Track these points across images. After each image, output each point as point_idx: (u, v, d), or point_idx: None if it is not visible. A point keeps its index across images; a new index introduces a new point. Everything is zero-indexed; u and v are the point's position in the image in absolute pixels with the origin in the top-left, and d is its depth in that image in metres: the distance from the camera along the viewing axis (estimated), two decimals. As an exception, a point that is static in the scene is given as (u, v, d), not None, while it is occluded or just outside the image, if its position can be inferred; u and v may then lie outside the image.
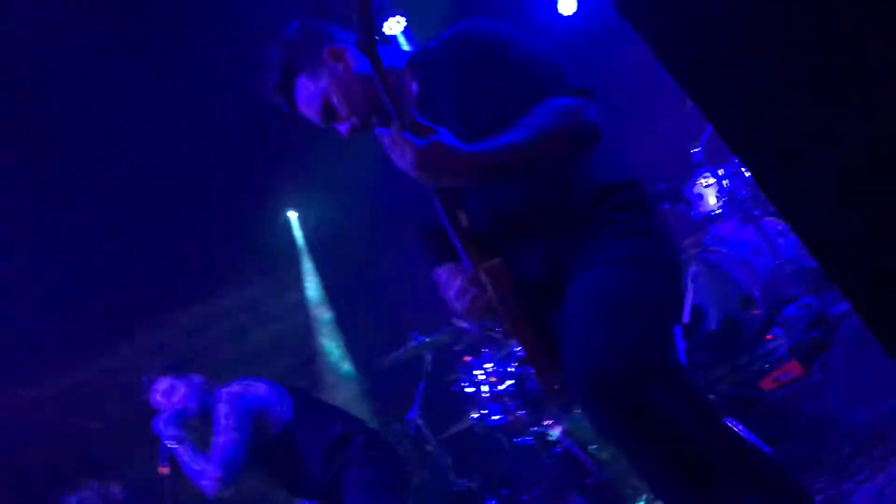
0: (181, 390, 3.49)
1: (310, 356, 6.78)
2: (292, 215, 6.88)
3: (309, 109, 1.94)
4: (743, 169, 4.48)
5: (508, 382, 4.06)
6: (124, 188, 5.38)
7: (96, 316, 5.63)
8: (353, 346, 6.73)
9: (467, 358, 4.39)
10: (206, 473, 3.21)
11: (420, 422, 4.18)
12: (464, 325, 4.19)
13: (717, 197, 4.63)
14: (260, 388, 3.43)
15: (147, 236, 5.76)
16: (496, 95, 1.78)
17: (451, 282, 1.90)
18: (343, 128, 1.93)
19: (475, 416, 4.22)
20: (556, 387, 1.85)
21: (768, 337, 3.94)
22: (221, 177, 5.81)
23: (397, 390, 4.55)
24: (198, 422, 3.45)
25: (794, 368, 3.49)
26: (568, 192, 1.81)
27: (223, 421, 3.29)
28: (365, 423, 3.55)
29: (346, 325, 6.84)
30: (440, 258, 2.04)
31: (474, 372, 4.25)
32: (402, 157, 1.64)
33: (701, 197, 4.72)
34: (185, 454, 3.28)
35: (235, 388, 3.43)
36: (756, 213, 4.54)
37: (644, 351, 1.63)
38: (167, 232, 5.80)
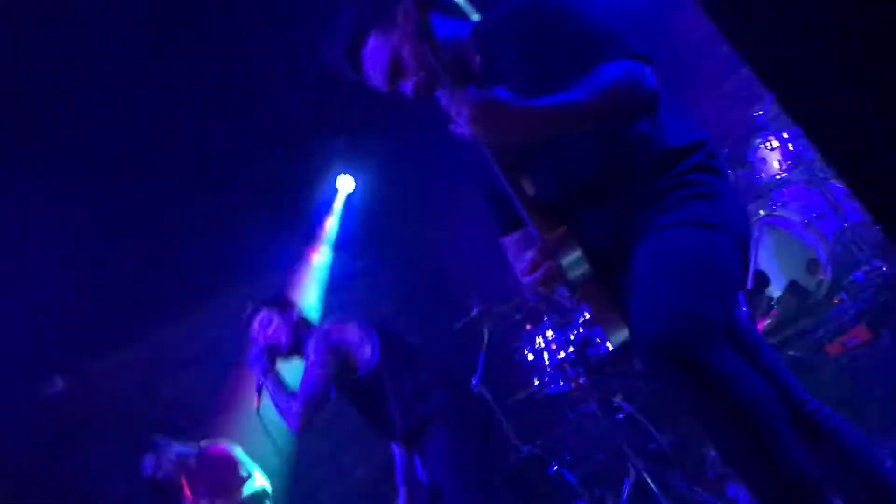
0: (276, 324, 3.49)
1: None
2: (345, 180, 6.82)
3: (376, 68, 1.94)
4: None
5: (569, 350, 4.08)
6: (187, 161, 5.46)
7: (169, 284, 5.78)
8: (413, 314, 6.79)
9: (528, 326, 4.43)
10: (290, 409, 3.23)
11: (482, 389, 4.22)
12: (531, 296, 4.20)
13: (781, 160, 4.54)
14: (351, 329, 3.38)
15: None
16: (559, 65, 1.78)
17: (519, 253, 1.93)
18: (408, 87, 1.94)
19: (536, 383, 4.26)
20: (625, 344, 1.86)
21: (835, 301, 3.88)
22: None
23: (459, 359, 4.60)
24: (291, 357, 3.45)
25: (861, 333, 3.44)
26: (635, 156, 1.81)
27: (311, 357, 3.30)
28: (453, 375, 3.45)
29: (406, 293, 6.92)
30: (507, 226, 2.06)
31: (535, 339, 4.29)
32: (459, 113, 1.67)
33: (764, 161, 4.63)
34: (272, 388, 3.31)
35: (327, 326, 3.42)
36: (822, 175, 4.44)
37: (707, 311, 1.63)
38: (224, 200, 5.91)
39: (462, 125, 1.69)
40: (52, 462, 5.27)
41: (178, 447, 4.81)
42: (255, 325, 3.53)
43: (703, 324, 1.62)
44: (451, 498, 3.13)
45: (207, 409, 6.00)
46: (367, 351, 3.30)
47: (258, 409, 3.39)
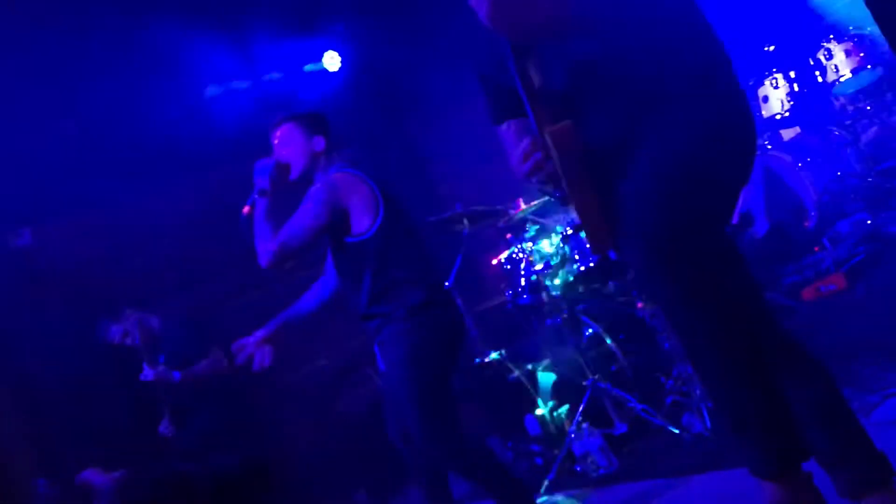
0: (297, 144, 3.20)
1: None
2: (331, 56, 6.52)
3: None
4: (817, 73, 4.30)
5: (547, 263, 4.07)
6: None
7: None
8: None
9: (508, 235, 4.40)
10: (266, 245, 3.04)
11: (454, 293, 4.21)
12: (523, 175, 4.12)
13: (784, 100, 4.47)
14: (360, 191, 3.07)
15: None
16: None
17: (516, 142, 1.87)
18: None
19: (509, 293, 4.26)
20: (605, 254, 1.85)
21: (815, 248, 3.88)
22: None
23: (436, 260, 4.58)
24: (299, 183, 3.18)
25: (838, 281, 3.46)
26: (650, 57, 1.74)
27: (307, 202, 3.05)
28: (434, 274, 3.23)
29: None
30: (504, 114, 1.99)
31: (514, 249, 4.27)
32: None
33: (767, 98, 4.56)
34: (260, 213, 3.10)
35: (339, 176, 3.10)
36: (822, 120, 4.39)
37: (701, 213, 1.64)
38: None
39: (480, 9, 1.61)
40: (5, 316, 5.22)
41: (140, 314, 4.80)
42: (277, 136, 3.24)
43: (697, 223, 1.61)
44: (403, 402, 2.99)
45: (176, 281, 5.98)
46: (367, 221, 3.05)
47: (244, 217, 3.16)
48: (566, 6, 1.64)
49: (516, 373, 4.00)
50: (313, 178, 3.18)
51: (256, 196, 3.12)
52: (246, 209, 3.16)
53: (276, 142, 3.24)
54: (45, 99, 5.01)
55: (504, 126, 2.02)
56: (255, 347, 3.32)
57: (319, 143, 3.19)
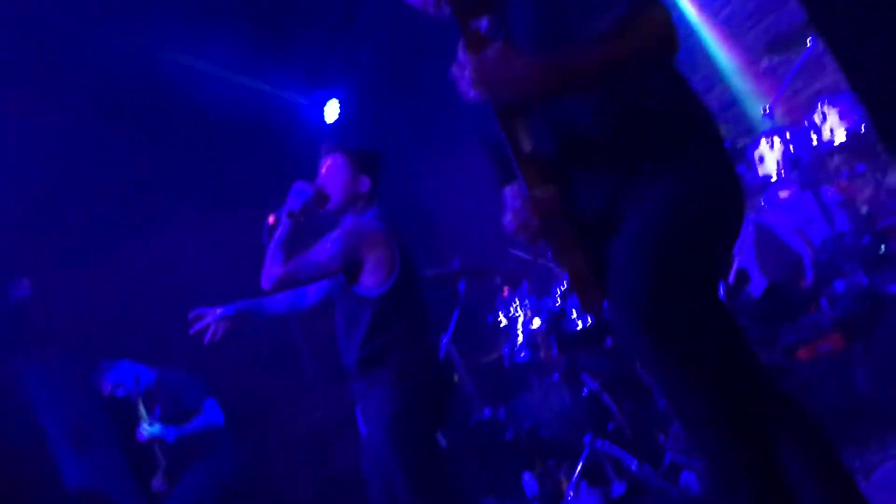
0: (342, 178, 3.13)
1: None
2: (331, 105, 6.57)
3: None
4: (812, 133, 4.35)
5: (544, 319, 4.07)
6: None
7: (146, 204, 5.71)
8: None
9: (506, 290, 4.41)
10: (273, 266, 2.97)
11: (451, 347, 4.22)
12: (517, 252, 4.17)
13: (779, 161, 4.51)
14: (381, 247, 3.00)
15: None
16: (574, 10, 1.72)
17: (511, 203, 1.91)
18: None
19: (507, 349, 4.25)
20: (598, 315, 1.86)
21: (812, 308, 3.88)
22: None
23: (433, 314, 4.58)
24: (329, 217, 3.14)
25: (835, 342, 3.45)
26: (638, 124, 1.77)
27: (326, 241, 2.99)
28: (426, 337, 3.13)
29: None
30: (508, 177, 2.03)
31: (512, 305, 4.28)
32: (462, 76, 1.66)
33: (763, 159, 4.60)
34: (280, 233, 3.03)
35: (366, 228, 3.04)
36: (817, 181, 4.43)
37: (688, 278, 1.65)
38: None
39: (467, 87, 1.68)
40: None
41: (137, 366, 4.79)
42: (326, 162, 3.18)
43: (686, 288, 1.62)
44: (390, 468, 2.91)
45: (171, 334, 5.96)
46: (378, 279, 2.98)
47: (268, 228, 3.09)
48: (544, 77, 1.66)
49: (513, 430, 3.97)
50: (345, 217, 3.13)
51: (284, 214, 3.06)
52: (271, 219, 3.10)
53: (322, 169, 3.18)
54: (46, 151, 5.07)
55: (507, 189, 2.06)
56: (212, 321, 3.24)
57: (364, 183, 3.13)
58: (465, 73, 1.67)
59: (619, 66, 1.66)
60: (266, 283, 2.99)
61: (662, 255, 1.66)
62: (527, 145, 1.79)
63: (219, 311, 3.24)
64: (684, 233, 1.69)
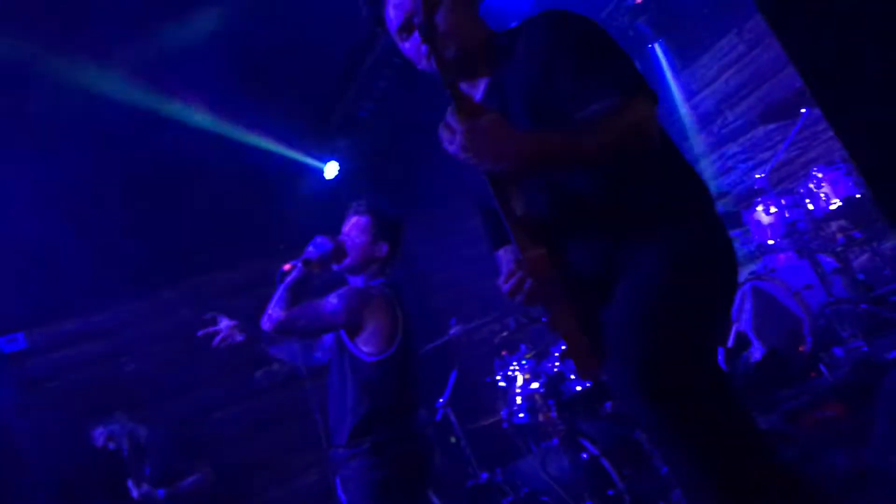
0: (364, 240, 3.14)
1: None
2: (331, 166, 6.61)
3: (402, 6, 1.92)
4: (807, 201, 4.41)
5: (542, 382, 4.05)
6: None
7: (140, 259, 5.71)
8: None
9: (504, 353, 4.40)
10: (276, 309, 2.97)
11: (448, 409, 4.18)
12: (511, 321, 4.18)
13: (775, 226, 4.56)
14: (386, 321, 2.99)
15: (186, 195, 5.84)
16: (566, 90, 1.76)
17: (505, 265, 1.92)
18: (411, 44, 1.94)
19: (505, 411, 4.22)
20: (594, 380, 1.86)
21: (812, 374, 3.88)
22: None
23: (430, 375, 4.56)
24: (341, 274, 3.13)
25: (835, 409, 3.43)
26: (630, 190, 1.80)
27: (333, 296, 2.98)
28: (417, 410, 3.11)
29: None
30: (503, 241, 2.04)
31: (510, 367, 4.26)
32: (452, 140, 1.68)
33: (759, 224, 4.65)
34: (291, 278, 3.03)
35: (376, 293, 3.03)
36: (814, 247, 4.47)
37: (684, 342, 1.65)
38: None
39: (455, 151, 1.70)
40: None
41: (130, 424, 4.76)
42: (351, 221, 3.18)
43: (686, 358, 1.62)
44: None
45: (167, 389, 5.92)
46: (377, 347, 2.97)
47: (281, 274, 3.09)
48: (530, 154, 1.70)
49: (511, 497, 3.91)
50: (355, 278, 3.13)
51: (299, 263, 3.06)
52: (287, 267, 3.09)
53: (347, 227, 3.19)
54: (46, 204, 5.10)
55: (500, 251, 2.08)
56: (225, 327, 3.18)
57: (383, 249, 3.14)
58: (454, 138, 1.69)
59: (603, 155, 1.70)
60: (266, 324, 2.99)
61: (661, 319, 1.67)
62: (519, 208, 1.80)
63: (231, 323, 3.20)
64: (681, 296, 1.71)
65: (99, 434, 4.73)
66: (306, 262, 3.05)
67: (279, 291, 3.03)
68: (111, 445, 4.71)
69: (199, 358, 6.01)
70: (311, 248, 3.09)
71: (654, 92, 1.76)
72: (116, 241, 5.47)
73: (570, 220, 1.85)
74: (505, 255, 2.07)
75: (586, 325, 1.82)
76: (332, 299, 2.98)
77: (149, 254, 5.75)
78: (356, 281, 3.14)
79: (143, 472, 4.61)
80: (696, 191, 1.86)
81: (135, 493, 4.50)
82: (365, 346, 2.98)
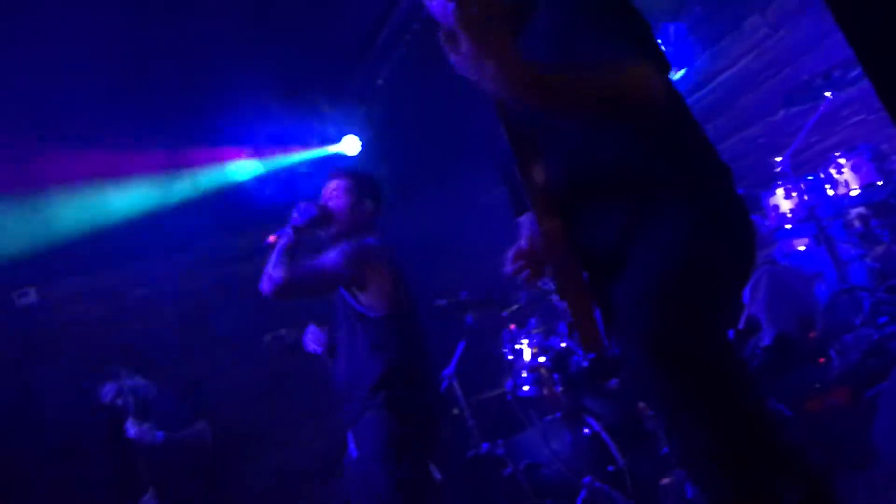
0: (346, 200, 3.21)
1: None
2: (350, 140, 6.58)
3: None
4: (827, 186, 4.34)
5: (549, 356, 4.03)
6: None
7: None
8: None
9: (512, 326, 4.38)
10: (276, 270, 2.98)
11: (454, 380, 4.18)
12: (522, 296, 4.17)
13: (794, 211, 4.50)
14: (386, 274, 3.06)
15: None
16: (581, 46, 1.74)
17: (525, 232, 1.91)
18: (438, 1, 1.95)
19: (510, 384, 4.21)
20: (598, 353, 1.85)
21: (821, 360, 3.84)
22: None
23: (437, 345, 4.55)
24: (330, 237, 3.17)
25: (842, 395, 3.40)
26: (648, 162, 1.78)
27: (336, 253, 3.01)
28: (427, 365, 3.20)
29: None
30: (525, 209, 2.04)
31: (518, 340, 4.24)
32: (456, 49, 1.62)
33: (777, 208, 4.59)
34: (283, 245, 3.04)
35: (374, 245, 3.09)
36: (831, 233, 4.41)
37: (697, 315, 1.64)
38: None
39: (459, 64, 1.65)
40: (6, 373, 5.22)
41: (137, 379, 4.79)
42: (330, 186, 3.25)
43: (696, 327, 1.61)
44: (377, 491, 2.91)
45: (174, 349, 5.96)
46: (380, 300, 3.00)
47: (266, 245, 3.12)
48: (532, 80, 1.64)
49: (511, 468, 3.91)
50: (346, 237, 3.14)
51: (288, 229, 3.08)
52: (272, 238, 3.11)
53: (327, 193, 3.23)
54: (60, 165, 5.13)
55: (523, 218, 2.08)
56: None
57: (368, 207, 3.20)
58: (458, 45, 1.62)
59: (601, 98, 1.65)
60: (267, 286, 2.98)
61: (674, 295, 1.65)
62: (539, 176, 1.79)
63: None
64: (694, 272, 1.69)
65: (108, 390, 4.75)
66: (295, 228, 3.06)
67: (276, 255, 3.02)
68: (119, 401, 4.73)
69: (207, 320, 6.08)
70: (295, 215, 3.10)
71: (667, 62, 1.75)
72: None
73: (586, 192, 1.83)
74: (527, 221, 2.06)
75: (596, 298, 1.81)
76: (332, 254, 2.99)
77: (161, 217, 5.79)
78: (348, 240, 3.13)
79: (146, 420, 4.65)
80: (715, 168, 1.84)
81: (132, 432, 4.50)
82: (369, 303, 3.01)
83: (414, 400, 3.01)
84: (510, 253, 1.96)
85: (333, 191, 3.22)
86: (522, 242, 1.97)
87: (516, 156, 1.77)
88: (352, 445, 3.10)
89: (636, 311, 1.65)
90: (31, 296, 5.67)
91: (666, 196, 1.76)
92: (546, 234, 1.73)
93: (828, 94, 4.39)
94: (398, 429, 2.93)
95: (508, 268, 1.95)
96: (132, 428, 4.51)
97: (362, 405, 3.00)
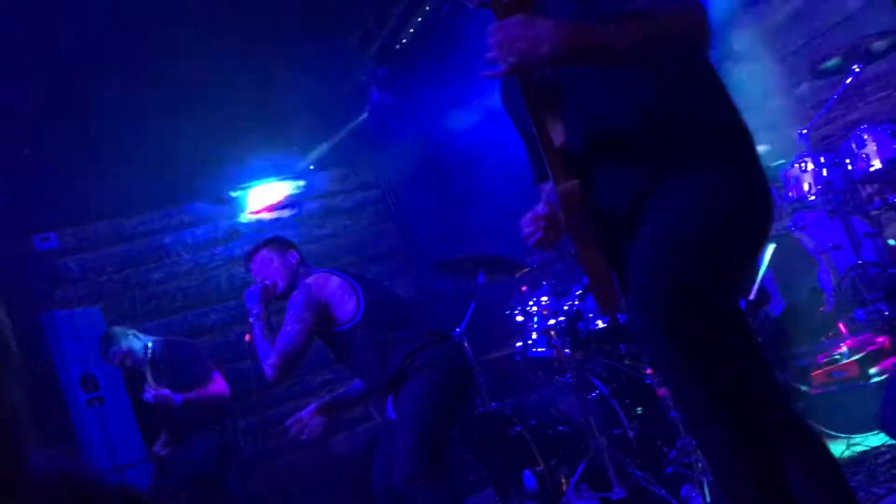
0: (275, 265, 3.53)
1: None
2: None
3: None
4: (847, 161, 4.31)
5: (560, 319, 4.06)
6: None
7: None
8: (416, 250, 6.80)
9: (524, 288, 4.41)
10: (265, 358, 3.33)
11: (464, 338, 4.22)
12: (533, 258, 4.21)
13: (811, 184, 4.47)
14: (333, 284, 3.40)
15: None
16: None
17: (545, 197, 1.92)
18: None
19: (519, 345, 4.25)
20: (613, 315, 1.87)
21: (830, 334, 3.86)
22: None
23: (449, 306, 4.59)
24: (287, 298, 3.49)
25: (850, 368, 3.42)
26: (677, 119, 1.77)
27: (290, 311, 3.35)
28: (436, 331, 3.51)
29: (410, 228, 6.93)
30: (545, 175, 2.04)
31: (529, 302, 4.27)
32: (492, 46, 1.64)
33: (795, 180, 4.57)
34: (258, 334, 3.39)
35: (310, 280, 3.44)
36: (848, 208, 4.39)
37: (709, 281, 1.65)
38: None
39: (494, 55, 1.66)
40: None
41: (146, 337, 4.80)
42: (256, 263, 3.58)
43: (706, 293, 1.62)
44: (402, 436, 3.16)
45: (191, 299, 6.04)
46: (350, 307, 3.34)
47: (250, 343, 3.50)
48: (566, 41, 1.63)
49: (519, 427, 3.96)
50: (295, 288, 3.46)
51: (253, 321, 3.44)
52: (248, 337, 3.52)
53: (255, 267, 3.58)
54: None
55: (543, 185, 2.09)
56: (309, 419, 3.57)
57: (294, 256, 3.57)
58: (492, 42, 1.65)
59: (650, 43, 1.64)
60: (269, 374, 3.33)
61: (687, 260, 1.66)
62: (558, 138, 1.79)
63: (312, 407, 3.61)
64: (710, 239, 1.69)
65: (114, 353, 4.72)
66: (257, 317, 3.43)
67: (258, 348, 3.37)
68: (129, 362, 4.75)
69: (217, 275, 6.15)
70: (250, 305, 3.47)
71: (706, 8, 1.71)
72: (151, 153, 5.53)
73: (605, 153, 1.83)
74: (547, 188, 2.06)
75: (612, 260, 1.83)
76: (290, 312, 3.34)
77: (183, 167, 5.83)
78: (299, 287, 3.47)
79: (161, 382, 4.65)
80: (740, 132, 1.82)
81: (150, 396, 4.56)
82: (342, 316, 3.34)
83: (446, 354, 3.33)
84: (528, 216, 1.97)
85: (259, 267, 3.56)
86: (540, 207, 1.98)
87: (534, 119, 1.77)
88: (390, 412, 3.40)
89: (648, 279, 1.66)
90: (52, 240, 5.75)
91: (688, 158, 1.75)
92: (563, 195, 1.74)
93: (856, 66, 4.34)
94: (438, 378, 3.23)
95: (525, 230, 1.97)
96: (149, 393, 4.57)
97: (399, 376, 3.30)
